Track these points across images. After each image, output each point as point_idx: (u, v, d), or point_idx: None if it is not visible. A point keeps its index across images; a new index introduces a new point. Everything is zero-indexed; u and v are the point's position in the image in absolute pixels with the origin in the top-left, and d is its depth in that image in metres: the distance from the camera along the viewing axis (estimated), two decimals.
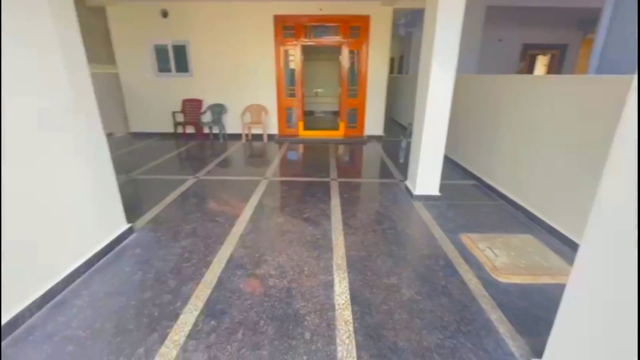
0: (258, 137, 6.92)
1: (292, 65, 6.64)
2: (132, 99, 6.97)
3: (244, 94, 6.77)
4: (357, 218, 3.14)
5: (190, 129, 6.90)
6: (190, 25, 6.37)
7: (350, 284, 2.15)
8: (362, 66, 6.56)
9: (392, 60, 13.00)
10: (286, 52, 6.52)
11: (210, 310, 1.90)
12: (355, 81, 6.74)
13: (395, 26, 10.29)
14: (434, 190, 3.57)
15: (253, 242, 2.67)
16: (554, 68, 9.14)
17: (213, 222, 3.03)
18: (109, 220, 2.54)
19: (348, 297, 2.02)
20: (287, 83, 6.75)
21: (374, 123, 6.96)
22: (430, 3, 3.14)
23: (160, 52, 6.59)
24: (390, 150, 6.12)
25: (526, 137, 3.23)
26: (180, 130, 6.88)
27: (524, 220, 3.11)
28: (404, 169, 4.45)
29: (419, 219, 3.16)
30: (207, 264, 2.37)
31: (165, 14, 6.34)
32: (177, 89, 6.81)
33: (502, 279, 2.21)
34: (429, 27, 3.18)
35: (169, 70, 6.71)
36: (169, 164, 5.04)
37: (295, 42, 6.43)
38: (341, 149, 6.24)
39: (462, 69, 6.63)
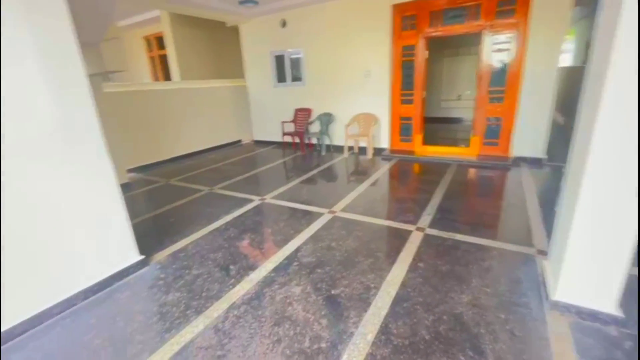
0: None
1: (411, 65, 5.30)
2: (255, 109, 7.42)
3: (354, 102, 5.97)
4: (412, 321, 1.81)
5: (297, 139, 6.70)
6: (305, 32, 6.09)
7: None
8: (516, 58, 4.50)
9: (587, 45, 9.09)
10: (405, 49, 5.25)
11: None
12: (501, 80, 4.73)
13: None
14: (606, 303, 1.71)
15: (231, 327, 1.87)
16: None
17: (223, 272, 2.41)
18: (110, 254, 2.32)
19: None
20: (404, 87, 5.46)
21: (528, 139, 4.72)
22: None
23: (279, 63, 6.65)
24: (551, 184, 3.93)
25: None
26: (287, 139, 6.77)
27: None
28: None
29: None
30: (155, 347, 1.74)
31: (284, 24, 6.31)
32: (291, 98, 6.74)
33: None
34: None
35: (285, 80, 6.71)
36: (254, 178, 4.86)
37: (417, 35, 5.07)
38: (466, 175, 4.49)
39: None
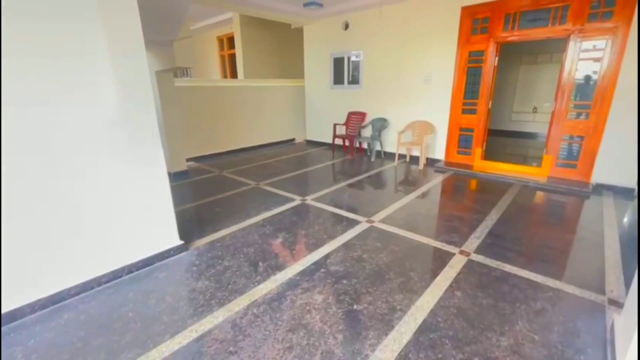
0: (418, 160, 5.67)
1: (477, 72, 4.86)
2: (310, 109, 7.52)
3: (410, 108, 5.69)
4: (436, 356, 1.62)
5: (347, 142, 6.62)
6: (366, 34, 5.98)
7: None
8: (609, 68, 3.84)
9: None
10: (472, 54, 4.84)
11: None
12: (587, 93, 4.08)
13: None
14: None
15: (248, 324, 1.88)
16: None
17: (251, 268, 2.46)
18: (153, 236, 2.51)
19: None
20: (467, 95, 5.04)
21: (618, 164, 4.00)
22: None
23: (337, 65, 6.65)
24: None
25: None
26: (338, 142, 6.72)
27: None
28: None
29: None
30: (176, 331, 1.83)
31: (346, 26, 6.28)
32: (345, 101, 6.69)
33: None
34: None
35: (342, 82, 6.68)
36: (300, 178, 4.92)
37: (488, 39, 4.63)
38: (531, 198, 3.97)
39: None
